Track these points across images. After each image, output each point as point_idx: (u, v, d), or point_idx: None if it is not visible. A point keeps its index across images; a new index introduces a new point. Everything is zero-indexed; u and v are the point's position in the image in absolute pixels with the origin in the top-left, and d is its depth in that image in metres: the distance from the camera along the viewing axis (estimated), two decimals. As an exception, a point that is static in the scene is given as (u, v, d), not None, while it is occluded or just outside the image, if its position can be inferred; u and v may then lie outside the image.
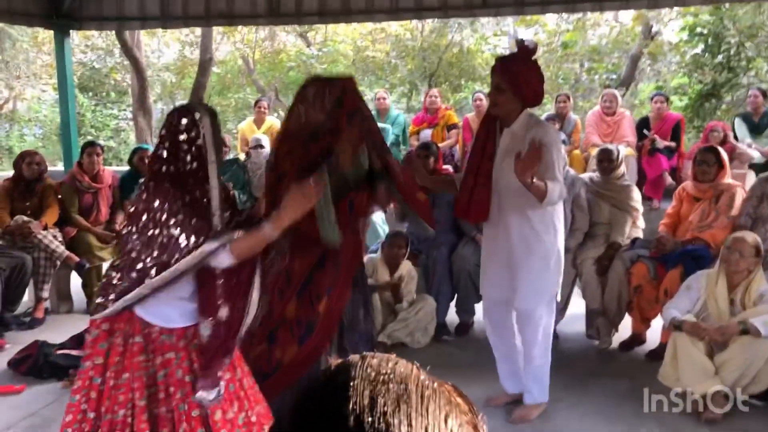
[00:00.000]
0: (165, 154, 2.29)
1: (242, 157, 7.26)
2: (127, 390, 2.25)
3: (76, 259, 5.39)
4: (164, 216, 2.21)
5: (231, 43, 15.42)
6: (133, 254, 2.23)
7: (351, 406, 0.64)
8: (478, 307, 4.99)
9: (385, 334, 4.49)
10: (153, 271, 2.18)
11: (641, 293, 4.29)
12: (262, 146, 6.66)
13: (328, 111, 2.79)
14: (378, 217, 5.92)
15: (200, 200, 2.26)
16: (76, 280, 5.66)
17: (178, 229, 2.19)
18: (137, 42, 11.03)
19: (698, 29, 11.08)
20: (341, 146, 2.86)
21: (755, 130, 6.94)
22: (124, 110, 16.26)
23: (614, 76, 13.06)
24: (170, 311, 2.29)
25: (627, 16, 13.04)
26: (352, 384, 0.67)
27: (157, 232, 2.21)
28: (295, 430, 0.68)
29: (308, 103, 2.83)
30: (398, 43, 14.53)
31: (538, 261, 3.26)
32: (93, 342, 2.31)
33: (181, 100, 16.89)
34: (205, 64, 10.79)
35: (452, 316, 4.95)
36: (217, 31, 12.37)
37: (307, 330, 2.86)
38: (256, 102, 8.43)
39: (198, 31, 12.67)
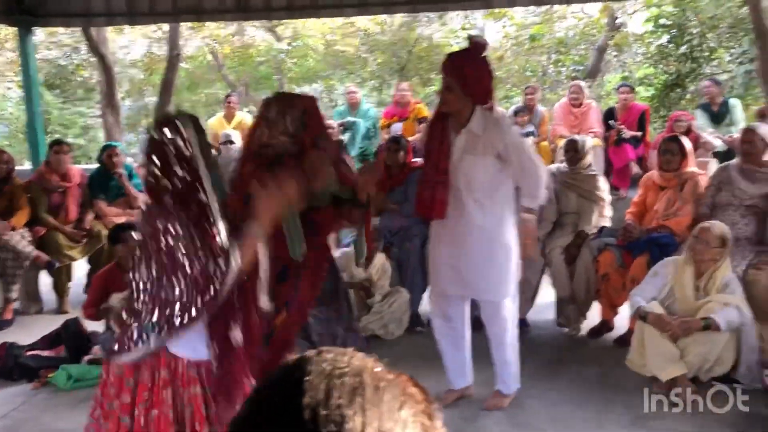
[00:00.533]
0: (156, 172, 2.12)
1: (212, 152, 7.22)
2: (156, 428, 2.09)
3: (46, 258, 5.34)
4: (172, 241, 2.05)
5: (200, 39, 15.28)
6: (149, 287, 2.08)
7: (306, 399, 0.66)
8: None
9: (359, 326, 4.53)
10: (177, 307, 2.01)
11: (609, 281, 4.38)
12: (232, 141, 6.65)
13: (290, 133, 2.78)
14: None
15: (200, 216, 2.10)
16: (45, 281, 5.60)
17: (189, 254, 2.04)
18: (104, 38, 10.88)
19: (662, 20, 11.28)
20: (308, 168, 2.79)
21: (715, 120, 7.09)
22: (92, 107, 16.04)
23: (581, 68, 13.23)
24: (196, 342, 2.12)
25: (593, 8, 13.20)
26: (307, 378, 0.68)
27: (167, 260, 2.05)
28: (252, 426, 0.69)
29: (270, 123, 2.80)
30: (368, 37, 14.54)
31: (503, 253, 3.32)
32: (118, 380, 2.14)
33: (150, 96, 16.71)
34: (173, 60, 10.69)
35: (425, 307, 5.00)
36: (185, 26, 12.24)
37: (263, 343, 2.75)
38: (226, 97, 8.39)
39: (166, 26, 12.54)
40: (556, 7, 12.34)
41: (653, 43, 12.04)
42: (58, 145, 5.76)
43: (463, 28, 14.84)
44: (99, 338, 4.39)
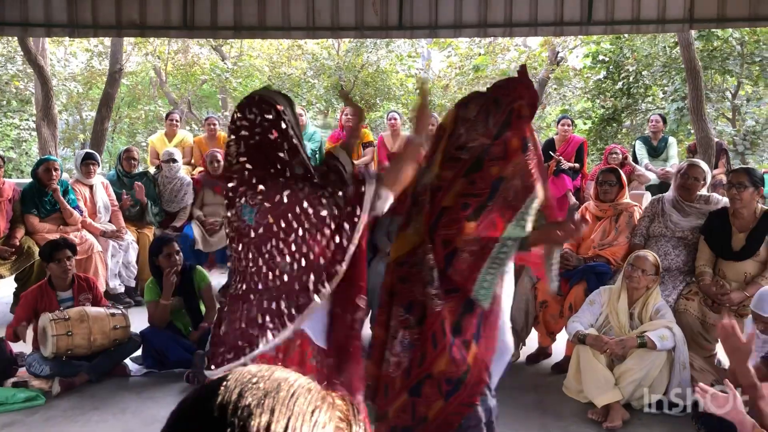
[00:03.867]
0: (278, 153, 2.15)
1: (152, 170, 7.08)
2: None
3: (-30, 275, 5.10)
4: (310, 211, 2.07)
5: (142, 54, 15.03)
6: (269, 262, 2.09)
7: (218, 401, 0.68)
8: (392, 323, 5.05)
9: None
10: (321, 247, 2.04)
11: (547, 308, 4.46)
12: (175, 160, 6.53)
13: (493, 134, 2.45)
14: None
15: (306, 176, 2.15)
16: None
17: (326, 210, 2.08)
18: (42, 49, 10.58)
19: (600, 57, 11.69)
20: (511, 175, 2.45)
21: (653, 153, 7.40)
22: (27, 120, 15.51)
23: (523, 100, 13.54)
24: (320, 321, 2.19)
25: (535, 42, 13.60)
26: (224, 384, 0.70)
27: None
28: (171, 426, 0.71)
29: (469, 124, 2.49)
30: (315, 60, 14.59)
31: None
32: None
33: (89, 111, 16.29)
34: (114, 75, 10.45)
35: (367, 331, 4.97)
36: (128, 41, 12.04)
37: (456, 385, 2.45)
38: (168, 115, 8.25)
39: (107, 41, 12.30)
40: (499, 39, 12.65)
41: (591, 78, 12.47)
42: (-12, 158, 5.54)
43: (409, 56, 15.07)
44: (26, 360, 4.20)
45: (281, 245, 2.06)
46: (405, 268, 2.54)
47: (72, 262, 4.34)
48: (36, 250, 5.40)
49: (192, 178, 6.68)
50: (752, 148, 10.53)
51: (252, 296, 2.10)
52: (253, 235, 2.11)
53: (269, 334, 2.04)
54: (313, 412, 0.69)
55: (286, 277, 2.06)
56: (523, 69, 2.54)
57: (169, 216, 6.49)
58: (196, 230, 6.27)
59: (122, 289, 6.03)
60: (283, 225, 2.06)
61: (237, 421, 0.66)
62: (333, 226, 2.07)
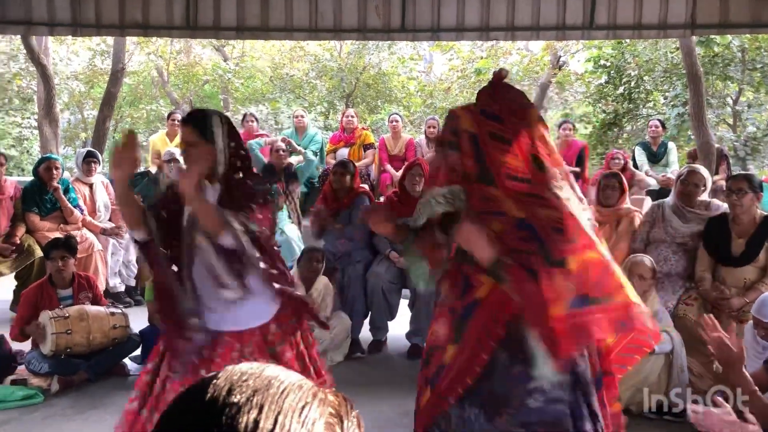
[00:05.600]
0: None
1: (153, 170, 7.09)
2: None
3: (-30, 272, 5.11)
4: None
5: (145, 54, 15.04)
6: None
7: (208, 398, 0.69)
8: (392, 325, 5.06)
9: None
10: None
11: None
12: (176, 160, 6.53)
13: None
14: (294, 234, 5.91)
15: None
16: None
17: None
18: (45, 48, 10.59)
19: (602, 61, 11.70)
20: None
21: (653, 158, 7.41)
22: (29, 118, 15.54)
23: (524, 103, 13.54)
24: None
25: (537, 46, 13.60)
26: (214, 381, 0.71)
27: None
28: (164, 427, 0.71)
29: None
30: (317, 62, 14.60)
31: None
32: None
33: (91, 109, 16.31)
34: (117, 74, 10.45)
35: (366, 333, 4.99)
36: (130, 41, 12.04)
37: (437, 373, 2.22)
38: (170, 114, 8.26)
39: (110, 39, 12.31)
40: (501, 42, 12.66)
41: (593, 83, 12.47)
42: (-8, 155, 5.54)
43: (411, 58, 15.07)
44: (25, 358, 4.21)
45: None
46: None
47: (67, 263, 4.33)
48: (36, 248, 5.41)
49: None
50: (753, 154, 10.55)
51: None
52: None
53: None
54: (303, 408, 0.69)
55: None
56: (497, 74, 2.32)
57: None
58: (196, 230, 6.26)
59: (122, 288, 6.04)
60: None
61: (225, 419, 0.66)
62: None
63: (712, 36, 9.12)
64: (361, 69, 14.19)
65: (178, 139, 7.65)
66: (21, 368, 4.19)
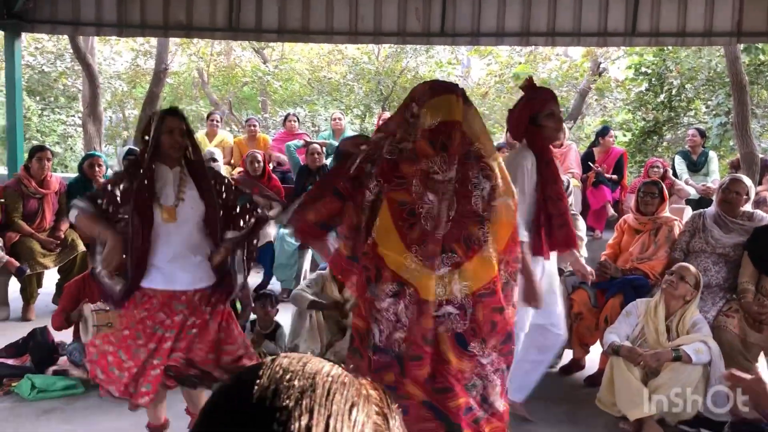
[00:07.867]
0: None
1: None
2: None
3: (16, 264, 5.25)
4: None
5: (186, 55, 15.30)
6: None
7: (254, 401, 0.67)
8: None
9: (332, 351, 4.49)
10: None
11: (582, 320, 4.42)
12: (215, 160, 6.63)
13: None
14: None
15: None
16: (15, 287, 5.50)
17: None
18: (91, 48, 10.85)
19: (643, 69, 11.53)
20: None
21: (693, 168, 7.28)
22: (73, 116, 15.90)
23: (562, 110, 13.41)
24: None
25: (577, 52, 13.48)
26: (258, 382, 0.69)
27: None
28: (204, 426, 0.70)
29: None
30: (355, 65, 14.68)
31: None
32: None
33: (132, 109, 16.63)
34: (159, 74, 10.67)
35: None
36: (172, 42, 12.27)
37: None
38: (209, 115, 8.40)
39: (153, 40, 12.55)
40: (540, 48, 12.59)
41: (633, 90, 12.30)
42: (41, 151, 5.66)
43: (449, 63, 15.06)
44: (66, 349, 4.31)
45: None
46: None
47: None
48: (79, 242, 5.54)
49: (231, 178, 6.77)
50: (798, 166, 10.28)
51: None
52: None
53: None
54: (350, 409, 0.68)
55: None
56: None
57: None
58: (234, 229, 6.35)
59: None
60: None
61: (276, 426, 0.64)
62: None
63: (758, 44, 8.95)
64: (398, 72, 14.23)
65: (217, 140, 7.79)
66: (63, 359, 4.29)
